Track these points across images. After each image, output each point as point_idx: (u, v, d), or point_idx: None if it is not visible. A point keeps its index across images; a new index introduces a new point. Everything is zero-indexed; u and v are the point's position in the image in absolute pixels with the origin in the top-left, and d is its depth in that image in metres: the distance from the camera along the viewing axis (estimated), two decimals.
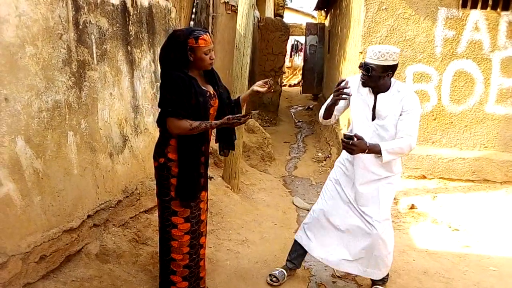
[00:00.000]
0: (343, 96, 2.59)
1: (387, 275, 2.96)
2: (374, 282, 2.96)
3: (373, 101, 2.69)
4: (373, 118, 2.70)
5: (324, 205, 2.91)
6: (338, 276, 3.17)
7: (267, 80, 2.48)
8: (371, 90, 2.69)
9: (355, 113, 2.78)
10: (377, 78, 2.59)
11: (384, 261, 2.82)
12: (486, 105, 5.28)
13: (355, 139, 2.45)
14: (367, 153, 2.53)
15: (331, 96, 2.68)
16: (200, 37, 2.18)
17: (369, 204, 2.74)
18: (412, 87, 5.31)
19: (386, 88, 2.66)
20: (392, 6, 5.15)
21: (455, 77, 5.25)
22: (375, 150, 2.53)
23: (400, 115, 2.63)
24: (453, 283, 3.13)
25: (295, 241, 3.03)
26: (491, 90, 5.23)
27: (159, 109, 2.28)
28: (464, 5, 5.07)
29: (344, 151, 2.90)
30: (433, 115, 5.36)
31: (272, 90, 2.51)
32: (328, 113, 2.79)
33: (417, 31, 5.18)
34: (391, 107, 2.64)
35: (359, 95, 2.75)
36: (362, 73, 2.63)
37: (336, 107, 2.78)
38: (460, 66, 5.21)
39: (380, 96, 2.67)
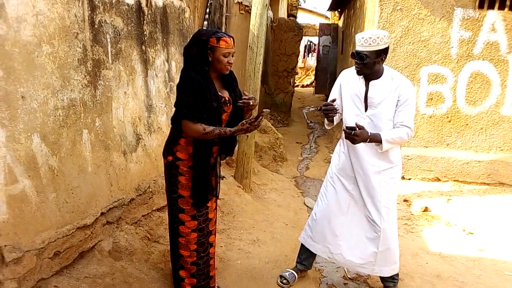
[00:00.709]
0: (331, 114, 2.62)
1: (397, 275, 2.92)
2: (385, 285, 2.93)
3: (365, 90, 2.66)
4: (366, 109, 2.68)
5: (324, 206, 2.87)
6: (350, 278, 3.15)
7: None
8: (362, 79, 2.67)
9: (347, 106, 2.75)
10: (372, 64, 2.58)
11: (391, 257, 2.78)
12: (503, 107, 5.20)
13: (357, 129, 2.46)
14: (368, 142, 2.53)
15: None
16: (222, 38, 2.18)
17: (373, 198, 2.71)
18: (427, 88, 5.26)
19: (379, 74, 2.64)
20: (407, 6, 5.11)
21: (471, 78, 5.18)
22: (376, 139, 2.52)
23: (397, 105, 2.61)
24: None
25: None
26: (508, 92, 5.15)
27: (175, 108, 2.29)
28: (481, 6, 5.00)
29: (338, 144, 2.91)
30: (448, 117, 5.30)
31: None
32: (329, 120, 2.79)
33: (432, 31, 5.12)
34: (385, 93, 2.61)
35: (349, 88, 2.73)
36: (356, 62, 2.60)
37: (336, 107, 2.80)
38: (476, 68, 5.13)
39: (372, 83, 2.64)
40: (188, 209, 2.35)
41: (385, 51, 2.58)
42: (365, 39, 2.52)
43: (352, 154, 2.75)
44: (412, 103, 2.62)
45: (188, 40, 2.33)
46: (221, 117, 2.32)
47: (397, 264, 2.84)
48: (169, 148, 2.36)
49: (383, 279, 2.92)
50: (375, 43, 2.51)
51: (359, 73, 2.65)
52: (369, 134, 2.50)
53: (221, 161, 2.62)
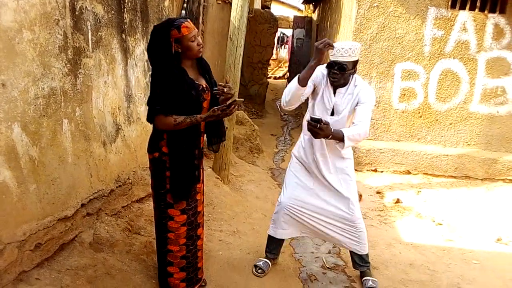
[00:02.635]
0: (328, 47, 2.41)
1: (367, 256, 3.00)
2: (360, 271, 3.03)
3: (333, 96, 2.73)
4: (332, 113, 2.75)
5: (289, 194, 2.93)
6: (328, 268, 3.24)
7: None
8: (330, 85, 2.72)
9: (317, 105, 2.80)
10: (348, 75, 2.64)
11: (363, 235, 2.89)
12: (471, 104, 5.44)
13: (322, 123, 2.41)
14: (330, 139, 2.53)
15: (312, 61, 2.44)
16: (182, 26, 2.13)
17: (337, 190, 2.82)
18: (400, 84, 5.42)
19: (346, 83, 2.70)
20: (383, 3, 5.22)
21: (442, 76, 5.38)
22: (338, 136, 2.51)
23: (356, 105, 2.68)
24: (437, 275, 3.24)
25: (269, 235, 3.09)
26: (476, 90, 5.39)
27: (148, 107, 2.26)
28: (453, 6, 5.18)
29: (299, 141, 2.98)
30: (419, 113, 5.49)
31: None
32: (304, 82, 2.52)
33: (407, 29, 5.27)
34: (348, 101, 2.69)
35: (322, 89, 2.77)
36: (334, 72, 2.62)
37: (305, 91, 2.63)
38: (447, 66, 5.34)
39: (339, 90, 2.71)
40: (178, 204, 2.33)
41: (357, 62, 2.66)
42: (345, 50, 2.54)
43: (314, 141, 2.80)
44: (369, 106, 2.67)
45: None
46: (202, 105, 2.30)
47: (366, 244, 2.94)
48: (154, 144, 2.32)
49: (356, 265, 3.01)
50: (354, 54, 2.57)
51: (335, 84, 2.67)
52: (332, 131, 2.48)
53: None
